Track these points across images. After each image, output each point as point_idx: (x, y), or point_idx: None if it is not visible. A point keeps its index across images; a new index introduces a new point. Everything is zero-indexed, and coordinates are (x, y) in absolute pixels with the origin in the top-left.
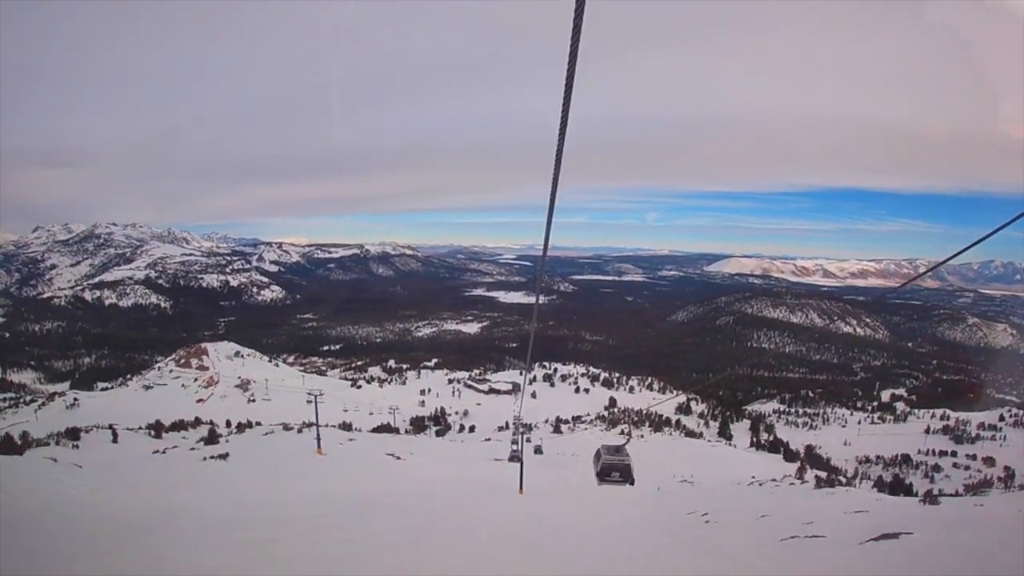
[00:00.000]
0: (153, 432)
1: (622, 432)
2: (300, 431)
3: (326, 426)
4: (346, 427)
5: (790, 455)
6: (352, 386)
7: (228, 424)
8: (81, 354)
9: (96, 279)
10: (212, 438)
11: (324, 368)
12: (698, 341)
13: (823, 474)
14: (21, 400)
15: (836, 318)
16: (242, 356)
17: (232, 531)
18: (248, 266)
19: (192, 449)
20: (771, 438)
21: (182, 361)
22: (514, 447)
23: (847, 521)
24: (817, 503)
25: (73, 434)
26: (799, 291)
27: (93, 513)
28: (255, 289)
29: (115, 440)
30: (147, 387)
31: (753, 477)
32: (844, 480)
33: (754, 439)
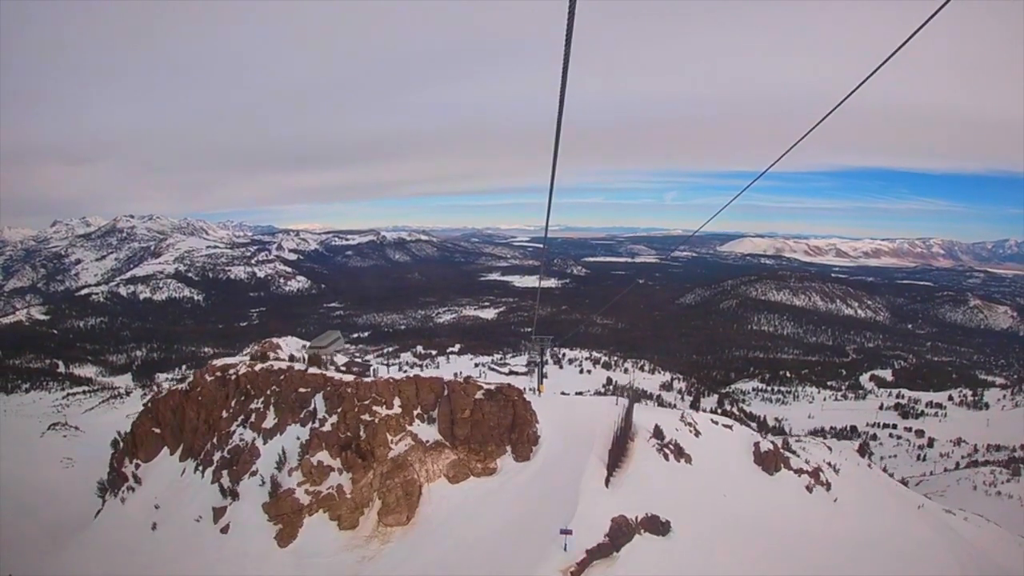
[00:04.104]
0: None
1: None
2: None
3: None
4: None
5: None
6: (398, 371)
7: None
8: (132, 348)
9: (128, 274)
10: None
11: (358, 355)
12: (701, 324)
13: None
14: (118, 392)
15: (838, 300)
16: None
17: None
18: (270, 256)
19: None
20: (732, 410)
21: (259, 354)
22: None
23: None
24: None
25: None
26: (803, 274)
27: None
28: (281, 280)
29: None
30: None
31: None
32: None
33: (714, 410)
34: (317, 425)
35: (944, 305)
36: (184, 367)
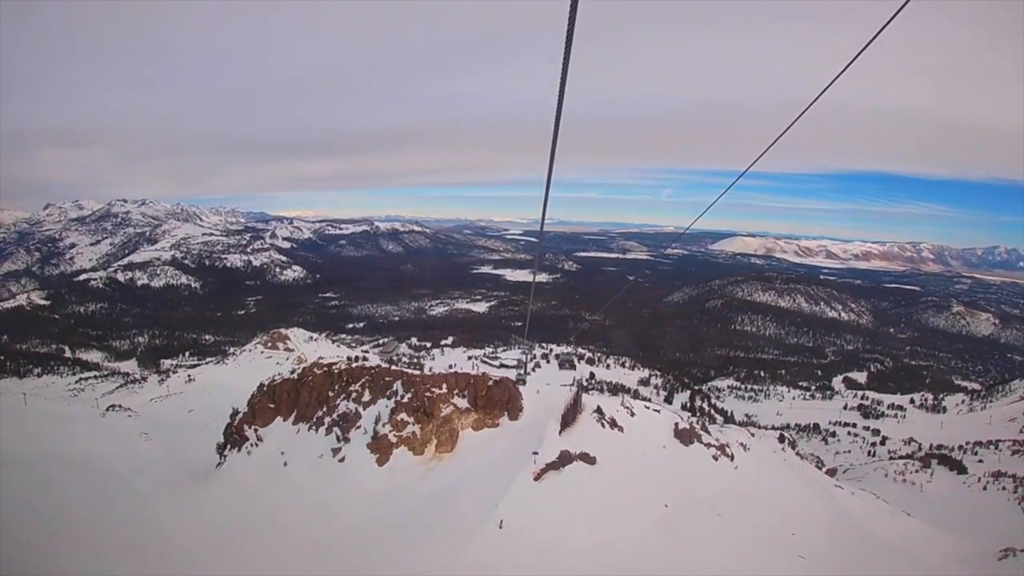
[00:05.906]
0: None
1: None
2: None
3: None
4: None
5: (694, 413)
6: (405, 365)
7: None
8: (134, 334)
9: (125, 260)
10: None
11: (354, 345)
12: (687, 323)
13: None
14: (133, 378)
15: (822, 302)
16: (315, 339)
17: None
18: (264, 245)
19: None
20: (701, 404)
21: (269, 344)
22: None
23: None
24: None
25: None
26: (790, 276)
27: None
28: (277, 269)
29: None
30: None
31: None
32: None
33: (684, 404)
34: (399, 399)
35: (928, 310)
36: (187, 353)
